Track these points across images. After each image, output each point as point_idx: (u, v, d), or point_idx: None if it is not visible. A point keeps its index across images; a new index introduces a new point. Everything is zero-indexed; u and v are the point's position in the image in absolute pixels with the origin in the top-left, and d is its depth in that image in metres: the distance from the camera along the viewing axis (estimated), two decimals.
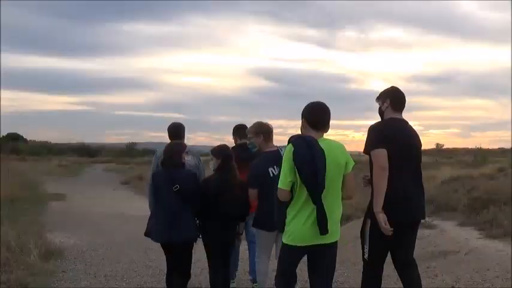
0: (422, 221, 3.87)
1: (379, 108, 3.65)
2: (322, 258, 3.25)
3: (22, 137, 60.60)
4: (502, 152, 40.19)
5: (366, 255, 3.58)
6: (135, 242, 7.95)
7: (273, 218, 3.57)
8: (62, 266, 6.29)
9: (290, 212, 3.18)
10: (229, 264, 4.42)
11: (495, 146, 50.99)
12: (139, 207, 13.18)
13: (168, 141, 4.72)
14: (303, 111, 3.27)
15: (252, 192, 4.04)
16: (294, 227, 3.14)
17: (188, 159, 4.46)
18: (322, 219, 3.03)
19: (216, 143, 5.33)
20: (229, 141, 5.42)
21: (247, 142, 4.52)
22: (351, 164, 3.23)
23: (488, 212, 7.26)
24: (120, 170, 29.41)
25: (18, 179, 17.94)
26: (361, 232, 3.63)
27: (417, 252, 6.11)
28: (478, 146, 28.15)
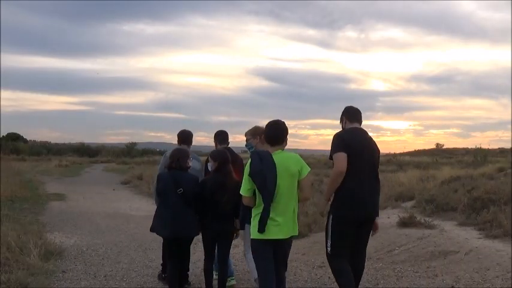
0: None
1: (342, 128, 4.20)
2: (282, 249, 3.82)
3: (22, 137, 60.61)
4: (502, 152, 40.27)
5: (329, 249, 4.03)
6: (135, 242, 7.95)
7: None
8: (62, 266, 6.29)
9: (254, 212, 3.73)
10: (227, 262, 4.72)
11: (495, 146, 51.09)
12: (139, 207, 13.21)
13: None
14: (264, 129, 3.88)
15: None
16: (257, 224, 3.65)
17: (194, 165, 4.91)
18: (263, 219, 3.59)
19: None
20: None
21: (245, 143, 4.90)
22: (306, 170, 3.73)
23: (488, 212, 7.26)
24: (120, 170, 29.42)
25: (18, 179, 17.94)
26: (325, 229, 4.12)
27: (417, 252, 6.13)
28: (478, 146, 28.15)
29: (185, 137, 5.43)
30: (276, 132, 3.76)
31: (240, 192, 3.74)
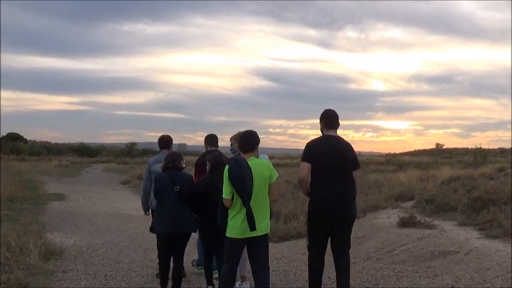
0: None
1: (321, 131, 4.56)
2: (257, 247, 4.13)
3: (22, 137, 60.60)
4: (502, 152, 40.28)
5: (308, 243, 4.50)
6: (135, 242, 7.96)
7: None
8: (62, 266, 6.29)
9: (231, 213, 4.08)
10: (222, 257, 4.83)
11: (495, 146, 51.13)
12: (139, 207, 13.12)
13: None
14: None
15: None
16: (234, 224, 4.05)
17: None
18: (251, 219, 3.94)
19: None
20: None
21: (230, 147, 5.23)
22: (275, 176, 4.16)
23: (488, 212, 7.25)
24: (120, 170, 29.42)
25: (18, 179, 17.94)
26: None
27: (417, 252, 6.13)
28: (478, 146, 28.13)
29: (164, 142, 5.79)
30: (248, 142, 4.19)
31: (223, 196, 4.06)
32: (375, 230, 7.51)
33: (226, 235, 4.10)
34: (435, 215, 8.08)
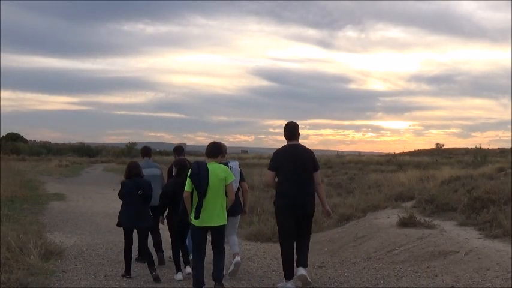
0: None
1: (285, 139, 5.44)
2: (215, 235, 5.13)
3: (22, 137, 60.61)
4: (502, 152, 40.27)
5: (279, 235, 5.41)
6: (135, 242, 7.95)
7: (236, 207, 5.62)
8: (62, 266, 6.29)
9: (193, 207, 4.98)
10: (186, 242, 5.91)
11: (495, 146, 51.11)
12: None
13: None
14: None
15: None
16: (193, 213, 4.98)
17: (155, 171, 6.82)
18: (198, 209, 4.92)
19: None
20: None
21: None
22: (230, 179, 5.10)
23: (488, 212, 7.24)
24: (120, 170, 29.37)
25: (18, 179, 17.94)
26: None
27: (417, 252, 6.13)
28: (478, 146, 28.11)
29: (145, 151, 7.20)
30: (212, 150, 5.19)
31: (185, 188, 5.00)
32: (375, 230, 7.50)
33: (192, 223, 5.06)
34: (435, 215, 8.07)
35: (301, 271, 5.17)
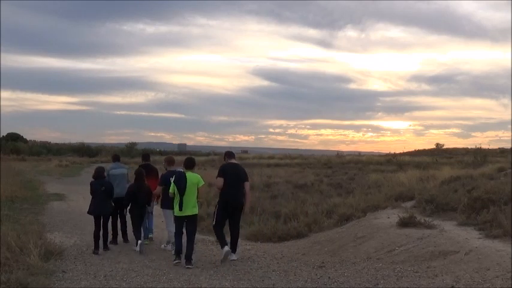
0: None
1: (224, 160, 7.67)
2: (189, 223, 6.89)
3: (22, 137, 60.56)
4: (502, 152, 40.25)
5: (214, 222, 7.22)
6: (135, 242, 7.95)
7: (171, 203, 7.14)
8: (62, 266, 6.29)
9: (175, 201, 6.86)
10: (142, 226, 7.92)
11: (495, 146, 51.05)
12: None
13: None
14: None
15: (159, 188, 7.80)
16: (177, 207, 6.80)
17: (122, 170, 8.62)
18: (180, 204, 6.78)
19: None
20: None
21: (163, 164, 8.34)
22: (201, 183, 6.98)
23: (488, 212, 7.24)
24: None
25: (18, 179, 17.94)
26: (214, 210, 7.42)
27: (417, 252, 6.13)
28: (478, 146, 28.10)
29: (115, 158, 9.13)
30: (188, 163, 7.06)
31: (169, 191, 6.95)
32: (375, 230, 7.51)
33: (174, 214, 6.94)
34: (435, 215, 8.07)
35: (226, 249, 6.89)
